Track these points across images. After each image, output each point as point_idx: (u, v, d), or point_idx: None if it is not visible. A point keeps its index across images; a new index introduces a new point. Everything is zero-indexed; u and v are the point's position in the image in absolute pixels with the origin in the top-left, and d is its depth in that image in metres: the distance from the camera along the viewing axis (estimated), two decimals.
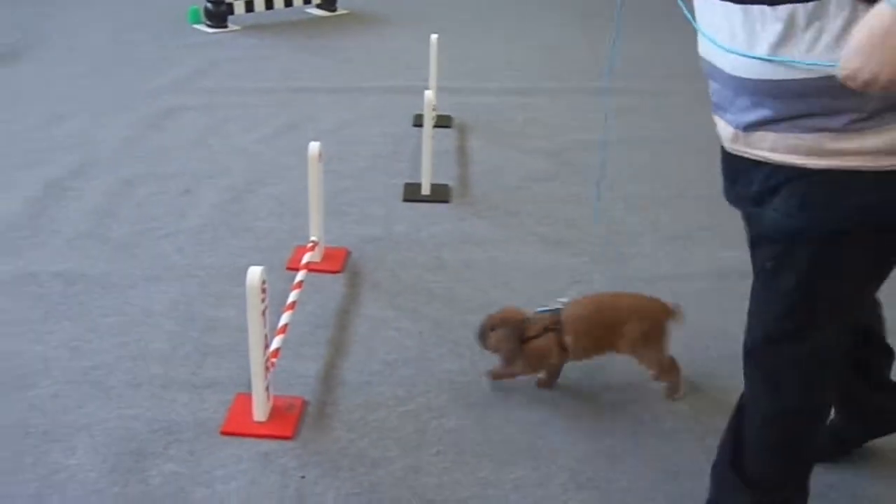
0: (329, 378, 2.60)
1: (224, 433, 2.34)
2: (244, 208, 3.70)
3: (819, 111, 1.46)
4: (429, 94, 3.70)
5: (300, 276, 2.83)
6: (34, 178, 3.90)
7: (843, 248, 1.57)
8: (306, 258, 3.01)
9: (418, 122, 4.54)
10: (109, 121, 4.69)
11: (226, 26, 6.72)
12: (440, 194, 3.84)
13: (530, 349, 2.48)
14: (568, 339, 2.46)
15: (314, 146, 3.09)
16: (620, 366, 2.65)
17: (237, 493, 2.15)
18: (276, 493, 2.15)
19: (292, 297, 2.69)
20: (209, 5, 6.66)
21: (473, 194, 3.91)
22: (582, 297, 2.62)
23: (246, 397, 2.40)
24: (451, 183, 3.98)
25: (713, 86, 1.67)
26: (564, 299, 2.55)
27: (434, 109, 3.74)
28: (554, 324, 2.47)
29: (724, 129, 1.68)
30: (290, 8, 7.18)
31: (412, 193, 3.85)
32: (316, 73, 5.68)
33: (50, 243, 3.35)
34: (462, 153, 4.38)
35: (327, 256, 3.24)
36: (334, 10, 7.33)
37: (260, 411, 2.36)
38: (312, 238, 3.18)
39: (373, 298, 3.05)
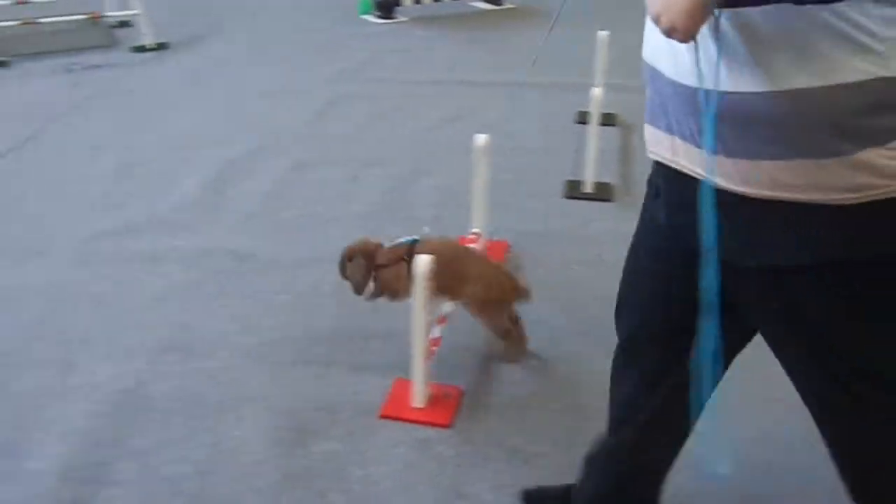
0: (485, 370, 2.62)
1: (382, 416, 2.40)
2: (407, 196, 3.77)
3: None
4: (596, 92, 3.65)
5: None
6: (214, 158, 4.13)
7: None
8: None
9: (581, 118, 4.49)
10: (284, 107, 4.89)
11: (394, 17, 6.88)
12: (603, 192, 3.79)
13: (382, 275, 2.55)
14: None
15: (481, 138, 3.10)
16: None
17: (393, 475, 2.19)
18: (432, 480, 2.18)
19: None
20: None
21: (636, 194, 3.84)
22: (444, 240, 2.67)
23: (404, 382, 2.45)
24: (613, 181, 3.92)
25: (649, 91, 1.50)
26: (426, 229, 2.53)
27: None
28: (407, 255, 2.49)
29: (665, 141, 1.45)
30: (457, 1, 7.27)
31: (574, 190, 3.81)
32: (480, 67, 5.72)
33: (225, 221, 3.52)
34: (625, 152, 4.31)
35: (488, 248, 3.25)
36: (501, 4, 7.37)
37: (418, 397, 2.40)
38: (475, 229, 3.20)
39: None
